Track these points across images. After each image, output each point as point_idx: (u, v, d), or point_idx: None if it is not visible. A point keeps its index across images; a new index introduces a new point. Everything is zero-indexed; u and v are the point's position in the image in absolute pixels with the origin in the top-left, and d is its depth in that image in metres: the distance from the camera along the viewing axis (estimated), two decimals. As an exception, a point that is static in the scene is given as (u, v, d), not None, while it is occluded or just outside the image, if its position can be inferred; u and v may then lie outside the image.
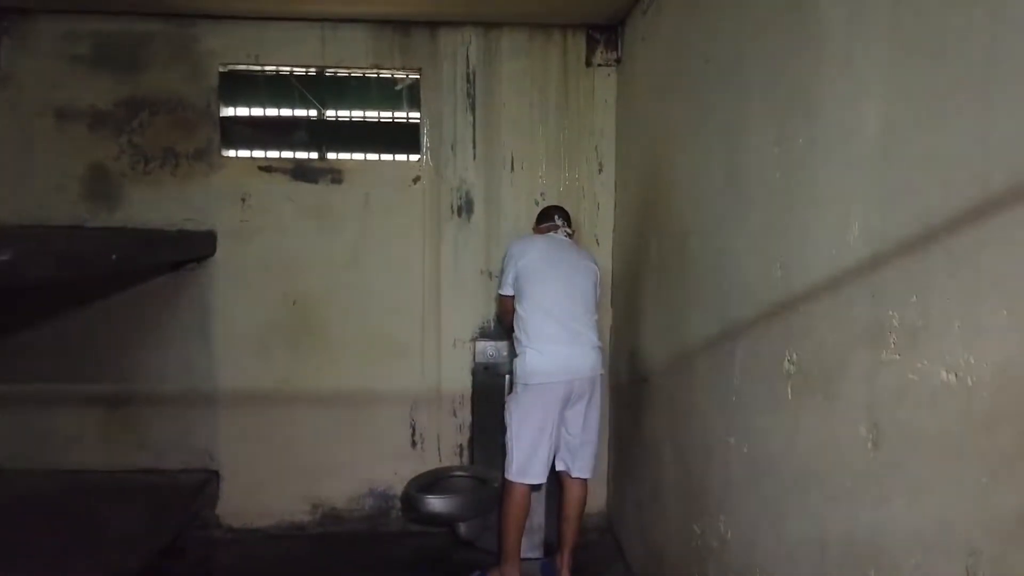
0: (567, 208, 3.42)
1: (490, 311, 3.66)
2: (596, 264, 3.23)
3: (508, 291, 3.14)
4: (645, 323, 3.05)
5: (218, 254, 3.54)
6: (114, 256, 2.54)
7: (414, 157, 3.67)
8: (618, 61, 3.60)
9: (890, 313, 1.24)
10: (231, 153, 3.57)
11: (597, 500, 3.67)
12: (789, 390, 1.64)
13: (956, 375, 1.08)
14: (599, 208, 3.72)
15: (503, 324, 3.44)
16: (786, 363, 1.66)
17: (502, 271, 3.22)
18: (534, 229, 3.35)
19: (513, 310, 3.10)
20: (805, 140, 1.58)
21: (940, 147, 1.12)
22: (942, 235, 1.11)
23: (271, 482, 3.65)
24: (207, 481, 3.49)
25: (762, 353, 1.80)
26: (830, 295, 1.46)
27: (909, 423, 1.20)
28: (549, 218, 3.29)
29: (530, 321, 2.99)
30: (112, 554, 2.59)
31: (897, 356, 1.23)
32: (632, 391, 3.21)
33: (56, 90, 3.45)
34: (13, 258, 1.98)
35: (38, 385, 3.54)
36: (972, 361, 1.05)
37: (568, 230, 3.29)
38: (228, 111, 3.58)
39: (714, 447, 2.13)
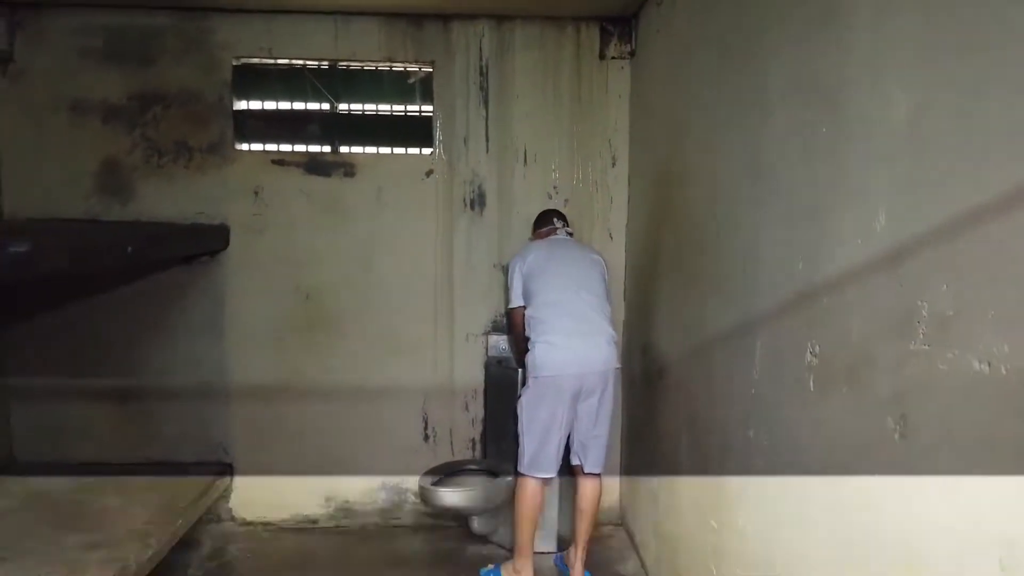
0: (579, 204, 3.41)
1: (503, 304, 3.65)
2: (601, 257, 3.23)
3: (518, 301, 3.12)
4: (659, 317, 3.03)
5: (231, 248, 3.54)
6: (128, 249, 2.54)
7: (427, 151, 3.66)
8: (632, 54, 3.58)
9: (919, 303, 1.22)
10: (244, 147, 3.57)
11: (610, 494, 3.66)
12: (812, 382, 1.63)
13: (989, 364, 1.06)
14: (612, 202, 3.70)
15: (516, 346, 3.30)
16: (808, 355, 1.64)
17: (508, 287, 3.22)
18: (533, 235, 3.36)
19: (524, 323, 3.07)
20: (829, 130, 1.56)
21: (974, 133, 1.10)
22: (975, 222, 1.09)
23: (285, 475, 3.65)
24: (220, 474, 3.50)
25: (783, 345, 1.78)
26: (855, 286, 1.45)
27: (939, 414, 1.19)
28: (548, 221, 3.30)
29: (541, 317, 2.98)
30: (126, 548, 2.59)
31: (926, 346, 1.21)
32: (646, 385, 3.20)
33: (69, 84, 3.45)
34: (30, 250, 1.99)
35: (52, 378, 3.55)
36: (1007, 350, 1.03)
37: (568, 229, 3.30)
38: (241, 104, 3.57)
39: (733, 440, 2.11)
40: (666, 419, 2.89)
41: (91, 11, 3.42)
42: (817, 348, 1.61)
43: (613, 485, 3.73)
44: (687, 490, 2.60)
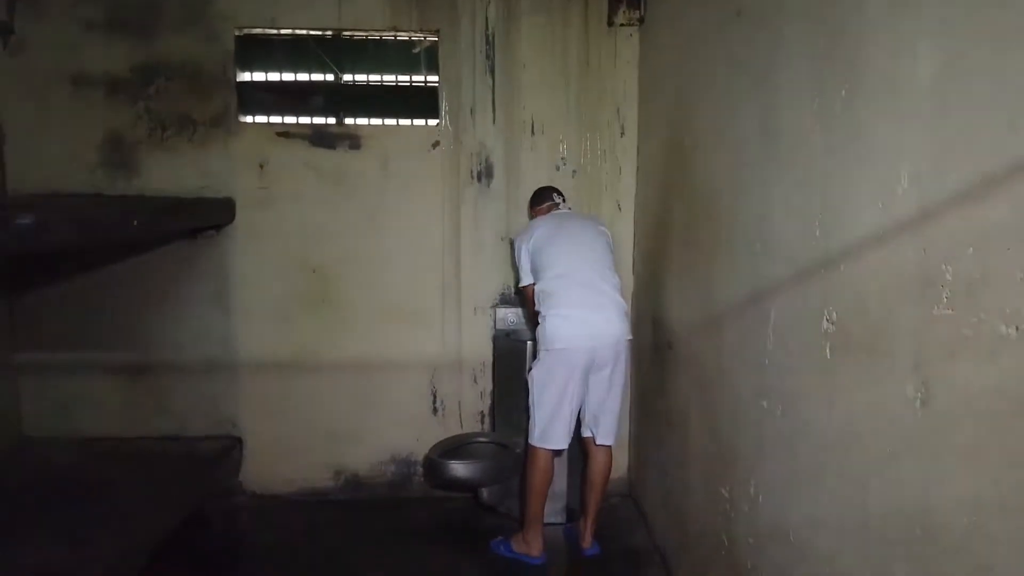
0: (587, 174, 3.39)
1: (510, 277, 3.62)
2: (605, 226, 3.22)
3: (528, 279, 3.11)
4: (669, 288, 3.00)
5: (237, 221, 3.52)
6: (134, 222, 2.53)
7: (433, 122, 3.61)
8: (641, 20, 3.51)
9: (943, 267, 1.19)
10: (248, 119, 3.53)
11: (618, 466, 3.65)
12: (828, 350, 1.60)
13: (1017, 327, 1.03)
14: (621, 172, 3.66)
15: (531, 321, 3.32)
16: (825, 322, 1.61)
17: (516, 266, 3.21)
18: (532, 212, 3.34)
19: (536, 299, 3.05)
20: (848, 91, 1.52)
21: (1006, 86, 1.06)
22: (1004, 182, 1.05)
23: (294, 449, 3.66)
24: (230, 448, 3.51)
25: (798, 313, 1.76)
26: (875, 251, 1.41)
27: (962, 380, 1.16)
28: (547, 197, 3.29)
29: (552, 290, 2.96)
30: (137, 521, 2.60)
31: (950, 311, 1.18)
32: (656, 357, 3.18)
33: (70, 56, 3.41)
34: (35, 223, 1.97)
35: (61, 353, 3.56)
36: (1035, 313, 1.01)
37: (568, 204, 3.29)
38: (245, 76, 3.53)
39: (745, 411, 2.10)
40: (676, 390, 2.88)
41: (91, -19, 3.37)
42: (834, 315, 1.58)
43: (622, 456, 3.73)
44: (697, 460, 2.59)
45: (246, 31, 3.48)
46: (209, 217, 3.41)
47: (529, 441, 3.00)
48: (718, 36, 2.41)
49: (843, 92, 1.54)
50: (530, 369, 3.02)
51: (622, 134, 3.64)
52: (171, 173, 3.47)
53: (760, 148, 2.00)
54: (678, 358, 2.86)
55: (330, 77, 3.60)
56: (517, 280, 3.24)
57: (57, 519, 2.60)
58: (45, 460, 3.28)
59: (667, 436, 3.02)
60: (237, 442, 3.59)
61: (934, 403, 1.23)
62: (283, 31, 3.50)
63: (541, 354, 2.95)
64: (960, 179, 1.16)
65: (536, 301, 3.03)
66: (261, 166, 3.52)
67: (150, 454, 3.36)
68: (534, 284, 3.07)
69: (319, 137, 3.54)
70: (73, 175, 3.44)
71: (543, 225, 3.11)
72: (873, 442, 1.42)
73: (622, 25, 3.55)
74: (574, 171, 3.63)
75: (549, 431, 2.94)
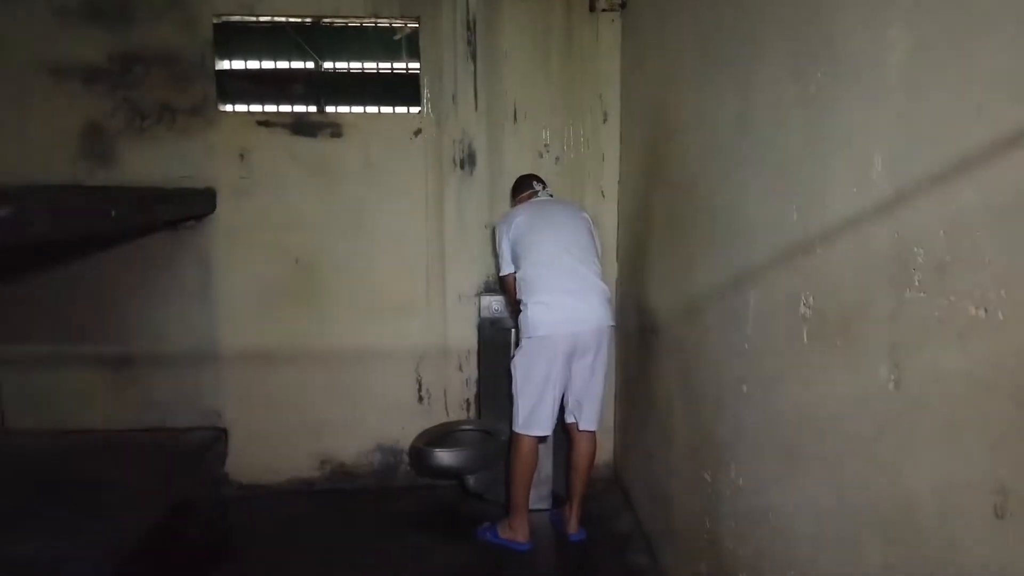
0: (570, 161, 3.38)
1: (494, 265, 3.61)
2: (587, 212, 3.23)
3: (509, 267, 3.12)
4: (653, 274, 3.01)
5: (218, 211, 3.50)
6: (113, 212, 2.50)
7: (414, 109, 3.59)
8: (623, 6, 3.50)
9: (915, 250, 1.20)
10: (228, 108, 3.50)
11: (604, 451, 3.67)
12: (805, 334, 1.61)
13: (986, 310, 1.04)
14: (604, 159, 3.66)
15: (511, 308, 3.32)
16: (802, 307, 1.62)
17: (497, 254, 3.22)
18: (513, 200, 3.34)
19: (516, 288, 3.05)
20: (824, 74, 1.52)
21: (976, 69, 1.06)
22: (976, 164, 1.06)
23: (279, 439, 3.66)
24: (215, 439, 3.49)
25: (776, 298, 1.77)
26: (850, 235, 1.42)
27: (934, 361, 1.17)
28: (527, 186, 3.29)
29: (533, 278, 2.96)
30: (122, 513, 2.59)
31: (922, 294, 1.19)
32: (640, 342, 3.19)
33: (47, 45, 3.36)
34: (12, 214, 1.94)
35: (44, 346, 3.53)
36: (1004, 295, 1.01)
37: (549, 191, 3.28)
38: (224, 64, 3.49)
39: (726, 395, 2.11)
40: (660, 376, 2.89)
41: (65, -31, 3.32)
42: (811, 300, 1.59)
43: (607, 441, 3.75)
44: (681, 445, 2.61)
45: (224, 18, 3.44)
46: (190, 207, 3.38)
47: (513, 428, 3.01)
48: (698, 20, 2.41)
49: (819, 75, 1.54)
50: (513, 357, 3.03)
51: (605, 120, 3.63)
52: (151, 163, 3.43)
53: (739, 132, 2.01)
54: (662, 344, 2.87)
55: (310, 65, 3.57)
56: (498, 268, 3.24)
57: (40, 512, 2.59)
58: (27, 453, 3.26)
59: (651, 421, 3.04)
60: (222, 433, 3.58)
61: (906, 385, 1.24)
62: (262, 18, 3.47)
63: (524, 342, 2.96)
64: (931, 163, 1.17)
65: (518, 289, 3.03)
66: (242, 155, 3.49)
67: (134, 446, 3.34)
68: (515, 272, 3.06)
69: (300, 126, 3.52)
70: (52, 166, 3.40)
71: (523, 213, 3.10)
72: (848, 425, 1.43)
73: (604, 10, 3.53)
74: (557, 158, 3.63)
75: (533, 418, 2.95)
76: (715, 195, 2.22)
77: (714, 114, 2.22)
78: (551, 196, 3.28)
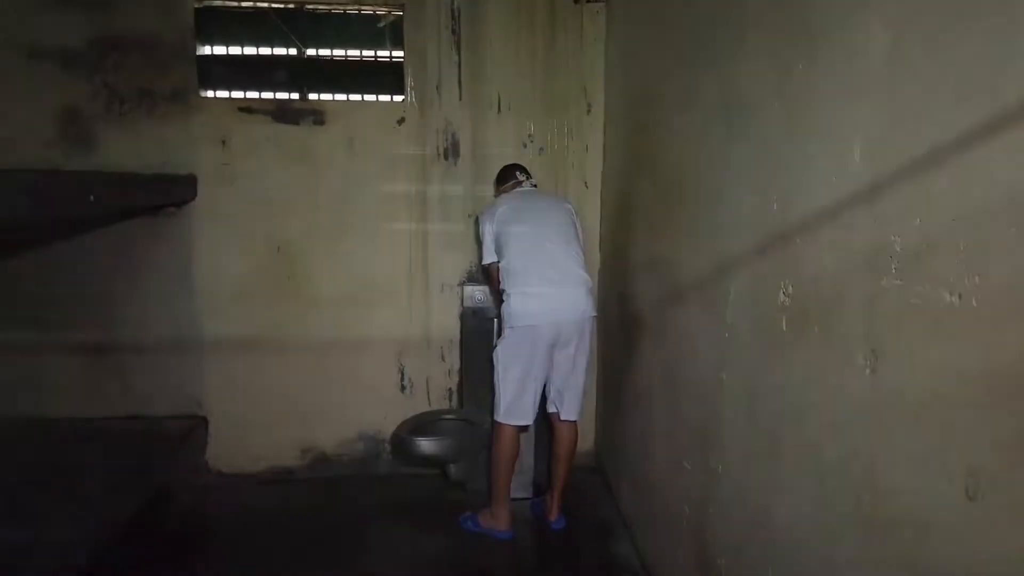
0: (554, 152, 3.39)
1: (477, 256, 3.62)
2: (570, 202, 3.23)
3: (491, 257, 3.11)
4: (635, 264, 3.03)
5: (199, 199, 3.46)
6: (91, 197, 2.47)
7: (398, 98, 3.58)
8: (607, -3, 3.51)
9: (892, 238, 1.22)
10: (209, 94, 3.46)
11: (585, 440, 3.70)
12: (784, 323, 1.64)
13: (960, 296, 1.07)
14: (588, 150, 3.67)
15: (494, 298, 3.33)
16: (781, 295, 1.64)
17: (480, 243, 3.21)
18: (497, 190, 3.33)
19: (500, 278, 3.05)
20: (805, 65, 1.54)
21: (952, 62, 1.08)
22: (951, 155, 1.08)
23: (260, 428, 3.64)
24: (194, 427, 3.48)
25: (756, 288, 1.79)
26: (829, 224, 1.44)
27: (909, 348, 1.20)
28: (511, 176, 3.27)
29: (516, 268, 2.96)
30: (100, 502, 2.58)
31: (898, 281, 1.21)
32: (622, 332, 3.21)
33: (23, 27, 3.30)
34: (-15, 197, 1.91)
35: (20, 333, 3.48)
36: (977, 281, 1.04)
37: (532, 181, 3.28)
38: (205, 50, 3.45)
39: (706, 384, 2.13)
40: (642, 365, 2.91)
41: (42, -50, 3.26)
42: (790, 288, 1.61)
43: (589, 430, 3.78)
44: (661, 434, 2.63)
45: (205, 3, 3.40)
46: (170, 194, 3.35)
47: (495, 418, 3.02)
48: (681, 13, 2.42)
49: (800, 66, 1.56)
50: (495, 346, 3.03)
51: (588, 111, 3.64)
52: (131, 149, 3.39)
53: (721, 123, 2.02)
54: (643, 333, 2.89)
55: (293, 51, 3.54)
56: (481, 257, 3.24)
57: (17, 500, 2.56)
58: (4, 440, 3.23)
59: (632, 410, 3.06)
60: (202, 421, 3.56)
61: (883, 372, 1.26)
62: (244, 3, 3.43)
63: (506, 331, 2.97)
64: (908, 152, 1.19)
65: (501, 279, 3.03)
66: (223, 142, 3.46)
67: (113, 434, 3.32)
68: (498, 262, 3.07)
69: (282, 113, 3.49)
70: (30, 150, 3.34)
71: (507, 203, 3.10)
72: (826, 412, 1.46)
73: (588, 2, 3.54)
74: (541, 149, 3.63)
75: (514, 407, 2.96)
76: (697, 186, 2.23)
77: (697, 106, 2.24)
78: (535, 187, 3.28)
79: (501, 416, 2.99)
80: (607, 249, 3.58)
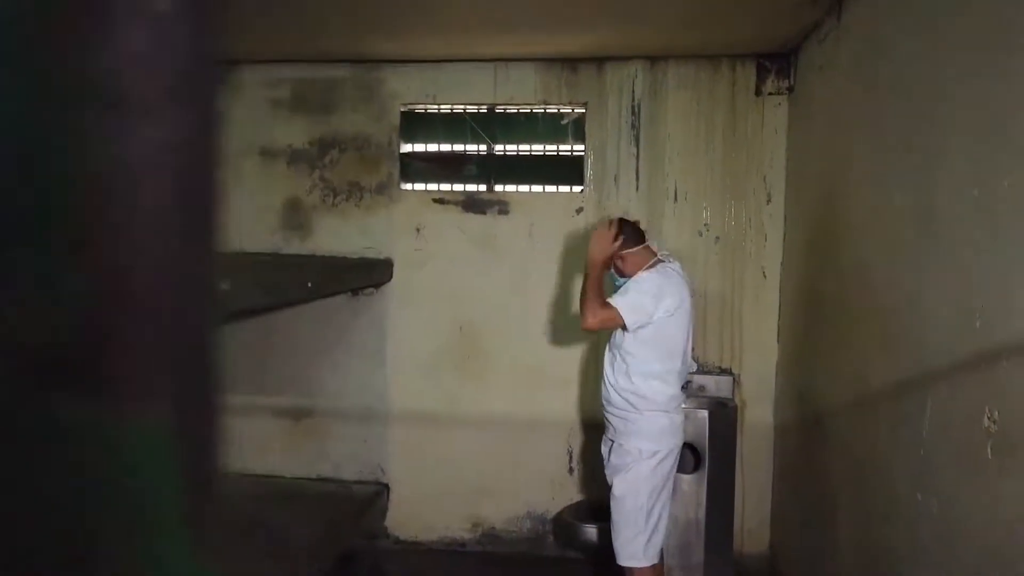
0: (730, 240, 3.40)
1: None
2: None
3: (636, 321, 2.58)
4: (819, 363, 2.91)
5: (394, 280, 3.79)
6: (309, 284, 2.80)
7: (577, 188, 3.75)
8: (790, 90, 3.50)
9: (1118, 378, 1.13)
10: (408, 186, 3.82)
11: (759, 542, 3.53)
12: (989, 450, 1.53)
13: None
14: (767, 240, 3.61)
15: (589, 326, 2.70)
16: (985, 420, 1.54)
17: (633, 293, 2.62)
18: (635, 244, 2.73)
19: (611, 336, 2.77)
20: (1012, 183, 1.47)
21: None
22: None
23: (435, 498, 3.82)
24: (378, 493, 3.72)
25: (957, 407, 1.68)
26: (1042, 352, 1.35)
27: None
28: (641, 238, 2.77)
29: (662, 383, 2.66)
30: (297, 559, 2.82)
31: None
32: (801, 434, 3.07)
33: (259, 131, 3.85)
34: (230, 288, 2.25)
35: (239, 395, 3.92)
36: None
37: (667, 252, 2.85)
38: (407, 147, 3.84)
39: (899, 502, 2.00)
40: (824, 471, 2.76)
41: (278, 66, 3.81)
42: (996, 414, 1.51)
43: (763, 533, 3.60)
44: (848, 550, 2.47)
45: (410, 107, 3.79)
46: (371, 277, 3.71)
47: (643, 559, 2.65)
48: (872, 111, 2.38)
49: (1006, 184, 1.50)
50: (634, 474, 2.67)
51: (768, 201, 3.60)
52: (339, 235, 3.81)
53: (917, 230, 1.95)
54: (827, 437, 2.76)
55: (483, 147, 3.84)
56: (621, 307, 2.59)
57: (227, 551, 2.86)
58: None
59: (814, 520, 2.89)
60: (385, 488, 3.80)
61: (1110, 523, 1.16)
62: (443, 107, 3.79)
63: (646, 455, 2.65)
64: None
65: (631, 378, 2.65)
66: (418, 230, 3.78)
67: (308, 494, 3.63)
68: (627, 328, 2.62)
69: (471, 203, 3.77)
70: (259, 235, 3.85)
71: (669, 288, 2.63)
72: (1041, 555, 1.34)
73: (771, 94, 3.55)
74: (717, 237, 3.63)
75: (655, 539, 2.69)
76: (890, 290, 2.15)
77: (888, 208, 2.17)
78: (670, 257, 2.80)
79: (650, 557, 2.65)
80: (787, 342, 3.47)
